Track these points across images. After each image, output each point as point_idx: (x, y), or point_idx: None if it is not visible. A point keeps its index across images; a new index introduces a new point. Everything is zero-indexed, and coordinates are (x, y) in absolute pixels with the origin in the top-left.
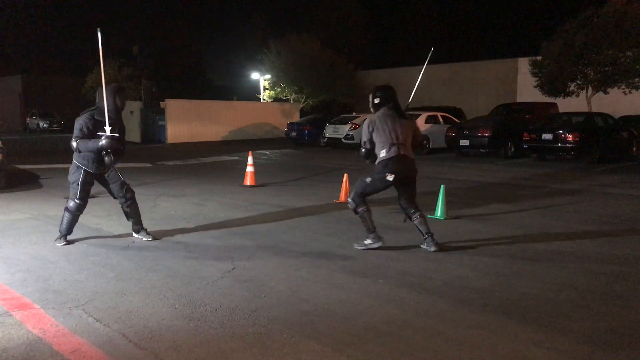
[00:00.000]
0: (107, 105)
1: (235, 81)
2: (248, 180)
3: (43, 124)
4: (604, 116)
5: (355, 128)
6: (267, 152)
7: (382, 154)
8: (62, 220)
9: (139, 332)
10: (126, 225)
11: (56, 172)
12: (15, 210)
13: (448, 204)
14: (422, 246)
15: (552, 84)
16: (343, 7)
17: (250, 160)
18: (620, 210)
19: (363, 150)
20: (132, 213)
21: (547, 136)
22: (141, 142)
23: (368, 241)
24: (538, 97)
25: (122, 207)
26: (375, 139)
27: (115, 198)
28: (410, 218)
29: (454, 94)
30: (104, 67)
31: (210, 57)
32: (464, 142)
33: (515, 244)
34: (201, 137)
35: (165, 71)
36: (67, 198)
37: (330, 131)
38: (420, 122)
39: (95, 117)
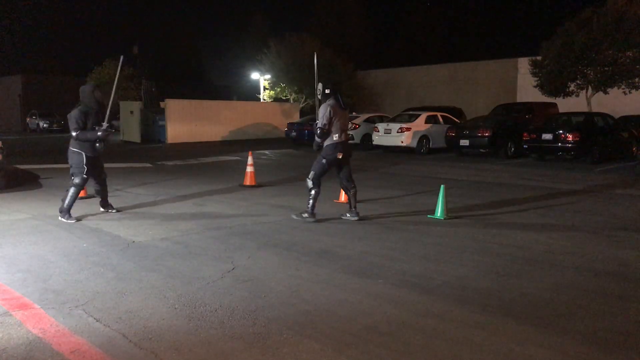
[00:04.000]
0: (91, 101)
1: (235, 81)
2: (248, 180)
3: (43, 124)
4: (604, 116)
5: (355, 128)
6: (267, 152)
7: (335, 137)
8: (66, 197)
9: (139, 332)
10: (126, 226)
11: (56, 172)
12: (16, 210)
13: (448, 204)
14: (343, 217)
15: (552, 83)
16: (343, 7)
17: (250, 160)
18: (620, 210)
19: (320, 132)
20: (103, 191)
21: (547, 136)
22: (141, 142)
23: (305, 215)
24: (538, 97)
25: (95, 187)
26: (333, 125)
27: (95, 180)
28: (347, 191)
29: (454, 94)
30: (116, 88)
31: (211, 57)
32: (464, 142)
33: (516, 244)
34: (201, 137)
35: (165, 71)
36: (72, 175)
37: None
38: (420, 122)
39: (82, 110)
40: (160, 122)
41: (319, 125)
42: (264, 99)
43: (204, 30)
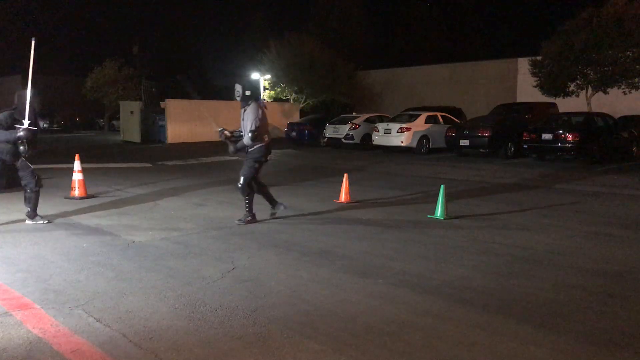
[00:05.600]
0: (25, 108)
1: (235, 81)
2: None
3: (43, 124)
4: (604, 116)
5: (355, 128)
6: None
7: (266, 138)
8: None
9: (139, 332)
10: (126, 226)
11: (56, 172)
12: (16, 210)
13: (448, 204)
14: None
15: (552, 84)
16: (343, 7)
17: None
18: (620, 210)
19: (252, 135)
20: (33, 200)
21: (547, 136)
22: (141, 142)
23: (249, 218)
24: (538, 97)
25: (25, 193)
26: (262, 128)
27: (22, 184)
28: (263, 193)
29: (453, 94)
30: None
31: (210, 57)
32: (464, 142)
33: (516, 244)
34: (201, 137)
35: (165, 71)
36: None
37: (330, 131)
38: (420, 122)
39: (15, 116)
40: (161, 122)
41: (252, 128)
42: (264, 99)
43: (204, 31)
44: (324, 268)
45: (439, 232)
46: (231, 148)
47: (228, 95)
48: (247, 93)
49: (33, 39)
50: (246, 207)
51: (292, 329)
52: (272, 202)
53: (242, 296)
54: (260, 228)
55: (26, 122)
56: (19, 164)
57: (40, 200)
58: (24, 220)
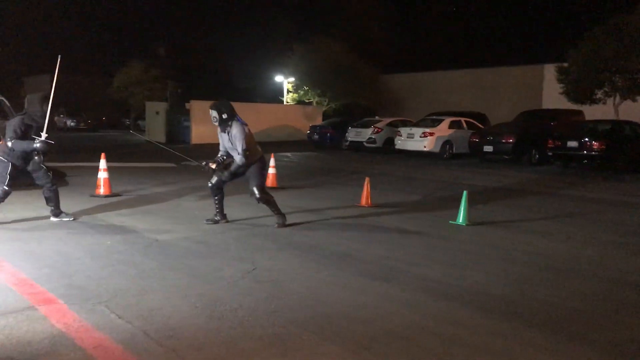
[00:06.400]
0: (36, 112)
1: (258, 83)
2: (269, 182)
3: (70, 123)
4: (632, 124)
5: (378, 132)
6: (289, 154)
7: (259, 150)
8: None
9: (160, 330)
10: (149, 225)
11: (82, 170)
12: (42, 207)
13: (470, 210)
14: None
15: (578, 90)
16: (368, 11)
17: (272, 162)
18: None
19: (243, 154)
20: (53, 198)
21: (573, 144)
22: (166, 142)
23: (279, 219)
24: (564, 104)
25: (44, 193)
26: (251, 143)
27: (39, 185)
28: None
29: (477, 100)
30: (55, 86)
31: (234, 59)
32: (488, 148)
33: (538, 251)
34: None
35: (190, 72)
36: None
37: (352, 134)
38: (444, 127)
39: (25, 121)
40: (185, 123)
41: (243, 147)
42: (287, 102)
43: (229, 33)
44: (344, 271)
45: (461, 238)
46: (225, 174)
47: (252, 97)
48: (224, 116)
49: (59, 56)
50: (272, 209)
51: (311, 331)
52: (221, 213)
53: (261, 297)
54: (281, 230)
55: (44, 135)
56: (30, 167)
57: (66, 198)
58: (48, 217)
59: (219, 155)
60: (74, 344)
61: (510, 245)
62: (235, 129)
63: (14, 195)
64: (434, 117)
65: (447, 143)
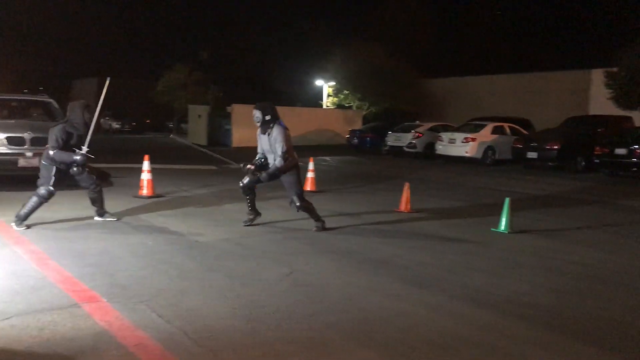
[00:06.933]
0: (78, 120)
1: (298, 87)
2: (308, 186)
3: (116, 125)
4: None
5: (418, 137)
6: (327, 158)
7: (295, 156)
8: (26, 205)
9: (199, 330)
10: (190, 226)
11: (127, 171)
12: (87, 206)
13: (513, 218)
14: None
15: (628, 96)
16: (411, 15)
17: (310, 166)
18: None
19: (283, 156)
20: (98, 198)
21: (621, 151)
22: (207, 145)
23: (319, 224)
24: (612, 110)
25: (89, 194)
26: (290, 147)
27: (84, 187)
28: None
29: (522, 105)
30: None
31: (275, 63)
32: (532, 155)
33: (582, 262)
34: None
35: (232, 76)
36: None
37: (392, 139)
38: (486, 133)
39: (67, 129)
40: (226, 126)
41: (283, 150)
42: (327, 106)
43: (270, 37)
44: (382, 277)
45: (502, 246)
46: (263, 175)
47: (291, 100)
48: (267, 118)
49: (108, 78)
50: (312, 216)
51: (348, 336)
52: (254, 210)
53: (299, 300)
54: (319, 234)
55: (85, 149)
56: (72, 171)
57: (110, 198)
58: (93, 217)
59: (257, 158)
60: (116, 341)
61: (553, 254)
62: (277, 131)
63: (62, 196)
64: (477, 122)
65: (489, 149)
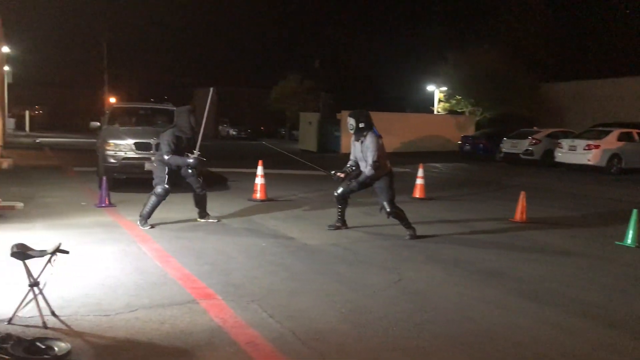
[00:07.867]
0: (185, 125)
1: (408, 92)
2: (417, 193)
3: (232, 132)
4: None
5: (536, 143)
6: (438, 165)
7: (388, 164)
8: (146, 204)
9: (307, 331)
10: (300, 229)
11: (243, 176)
12: (193, 209)
13: None
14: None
15: None
16: (528, 16)
17: (420, 172)
18: None
19: (375, 165)
20: (202, 200)
21: None
22: (317, 151)
23: (410, 231)
24: None
25: (194, 195)
26: (382, 156)
27: (193, 186)
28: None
29: None
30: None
31: (385, 69)
32: None
33: None
34: None
35: (342, 83)
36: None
37: (507, 146)
38: (612, 139)
39: (175, 133)
40: (336, 133)
41: (374, 159)
42: (438, 111)
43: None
44: (493, 289)
45: (628, 261)
46: (354, 184)
47: (400, 106)
48: (361, 125)
49: (212, 88)
50: (403, 223)
51: (457, 347)
52: (342, 219)
53: (406, 308)
54: (428, 242)
55: (196, 152)
56: (182, 172)
57: (226, 201)
58: (211, 218)
59: (348, 165)
60: (230, 338)
61: None
62: (369, 139)
63: (179, 197)
64: (601, 128)
65: (614, 157)
